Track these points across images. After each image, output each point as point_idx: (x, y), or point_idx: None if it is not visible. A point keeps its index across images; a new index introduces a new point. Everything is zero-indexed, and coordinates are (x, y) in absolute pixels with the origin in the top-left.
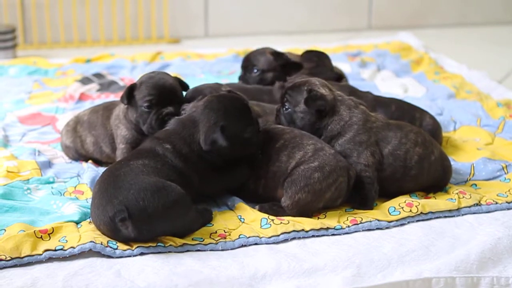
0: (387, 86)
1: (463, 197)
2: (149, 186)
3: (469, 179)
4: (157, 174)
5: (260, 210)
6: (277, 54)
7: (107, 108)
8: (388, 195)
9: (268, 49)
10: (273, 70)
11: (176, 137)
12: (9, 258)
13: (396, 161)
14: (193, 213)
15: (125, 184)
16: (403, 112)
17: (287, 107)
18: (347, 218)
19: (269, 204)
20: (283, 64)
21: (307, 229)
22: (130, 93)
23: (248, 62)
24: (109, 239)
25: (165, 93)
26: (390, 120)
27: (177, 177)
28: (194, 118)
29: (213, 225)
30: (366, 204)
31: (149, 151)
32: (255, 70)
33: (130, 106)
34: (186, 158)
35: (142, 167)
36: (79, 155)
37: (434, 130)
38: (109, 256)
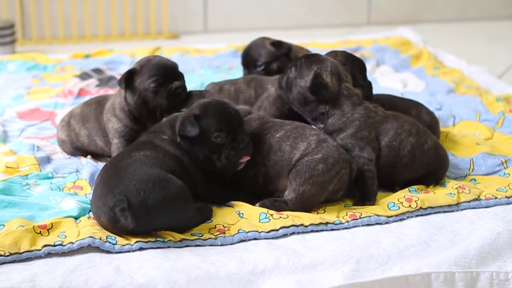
0: (387, 81)
1: (463, 192)
2: (151, 178)
3: (469, 174)
4: (159, 165)
5: (261, 206)
6: (278, 44)
7: (100, 102)
8: (381, 184)
9: (266, 39)
10: (276, 60)
11: (168, 128)
12: (8, 254)
13: (391, 151)
14: (193, 209)
15: (127, 175)
16: (398, 111)
17: (293, 72)
18: (346, 213)
19: (270, 200)
20: (286, 53)
21: (306, 224)
22: (130, 77)
23: (250, 58)
24: (108, 234)
25: (169, 71)
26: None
27: (178, 168)
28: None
29: (212, 220)
30: (369, 198)
31: (147, 143)
32: (259, 64)
33: (129, 90)
34: (180, 146)
35: (144, 158)
36: (75, 148)
37: (431, 126)
38: (108, 252)
